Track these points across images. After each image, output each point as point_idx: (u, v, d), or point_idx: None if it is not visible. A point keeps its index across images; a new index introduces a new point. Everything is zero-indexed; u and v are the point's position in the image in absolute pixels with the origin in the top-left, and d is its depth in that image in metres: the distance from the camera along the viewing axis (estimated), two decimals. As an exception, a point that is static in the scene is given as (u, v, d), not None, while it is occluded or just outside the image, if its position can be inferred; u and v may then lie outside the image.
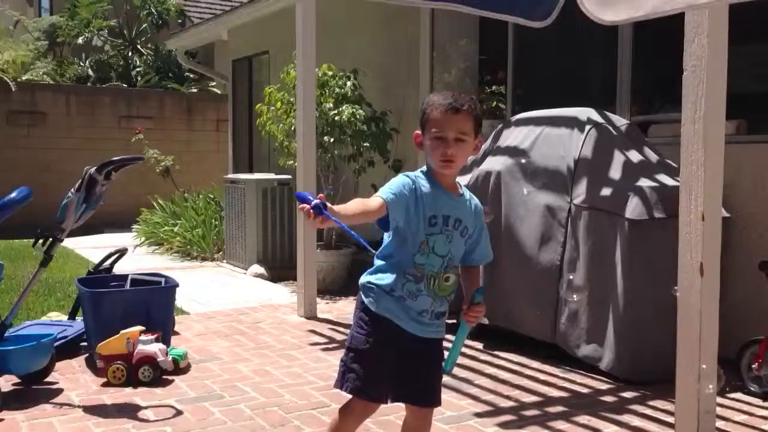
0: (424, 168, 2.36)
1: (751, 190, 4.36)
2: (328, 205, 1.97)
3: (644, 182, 4.16)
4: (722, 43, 3.12)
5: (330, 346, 4.94)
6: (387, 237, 2.36)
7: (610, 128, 4.55)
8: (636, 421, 3.54)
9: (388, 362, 2.36)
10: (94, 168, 4.22)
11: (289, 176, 7.60)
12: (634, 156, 4.40)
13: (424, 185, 2.28)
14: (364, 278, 2.40)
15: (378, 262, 2.38)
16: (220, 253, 8.83)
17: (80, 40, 15.65)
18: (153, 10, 15.24)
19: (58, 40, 15.95)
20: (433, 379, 2.48)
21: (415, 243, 2.27)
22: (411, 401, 2.46)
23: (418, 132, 2.35)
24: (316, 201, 1.95)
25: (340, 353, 4.82)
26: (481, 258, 2.48)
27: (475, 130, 2.30)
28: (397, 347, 2.36)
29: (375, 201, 2.17)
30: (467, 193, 2.43)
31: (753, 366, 3.85)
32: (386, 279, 2.32)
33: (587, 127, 4.51)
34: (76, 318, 4.93)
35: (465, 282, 2.47)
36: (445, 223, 2.30)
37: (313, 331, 5.34)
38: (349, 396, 2.40)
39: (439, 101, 2.30)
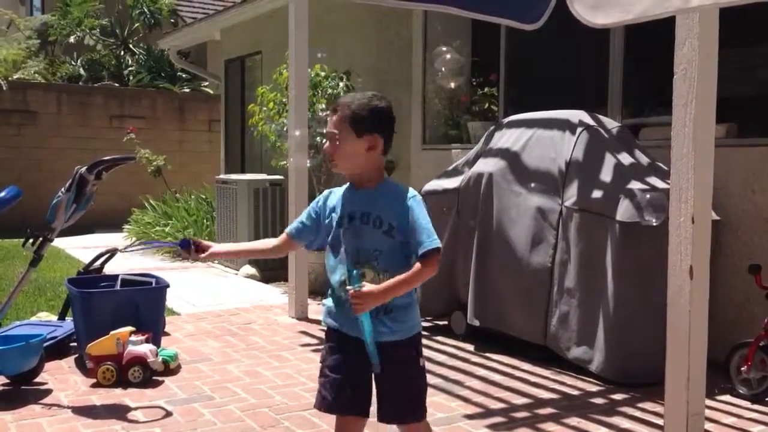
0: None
1: (741, 193, 4.38)
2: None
3: (635, 185, 4.17)
4: (712, 47, 3.14)
5: (321, 347, 4.92)
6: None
7: (602, 131, 4.57)
8: (625, 423, 3.55)
9: None
10: (85, 167, 4.21)
11: (281, 177, 7.60)
12: (625, 159, 4.41)
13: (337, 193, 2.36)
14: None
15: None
16: (212, 253, 8.79)
17: (72, 39, 15.58)
18: (145, 10, 15.17)
19: (49, 39, 15.86)
20: None
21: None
22: None
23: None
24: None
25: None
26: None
27: None
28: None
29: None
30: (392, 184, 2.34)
31: (742, 369, 3.86)
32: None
33: (579, 130, 4.52)
34: (66, 318, 4.92)
35: None
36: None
37: (304, 332, 5.33)
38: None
39: None
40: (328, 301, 2.36)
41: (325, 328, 2.45)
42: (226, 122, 11.76)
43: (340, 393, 2.35)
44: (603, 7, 2.97)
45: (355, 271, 2.17)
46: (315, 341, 5.09)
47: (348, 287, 2.16)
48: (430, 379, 4.11)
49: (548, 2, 3.75)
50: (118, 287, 4.69)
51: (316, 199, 2.43)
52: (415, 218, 2.19)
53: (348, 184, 2.36)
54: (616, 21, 3.01)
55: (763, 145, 4.35)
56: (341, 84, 6.94)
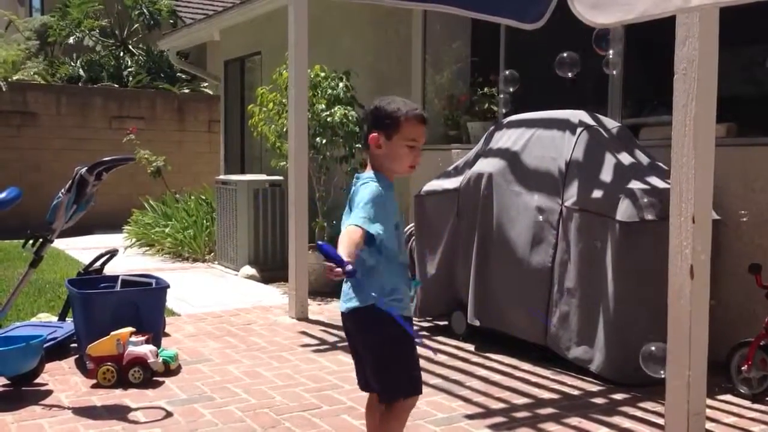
0: (372, 172, 2.43)
1: (741, 193, 4.38)
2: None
3: (635, 184, 4.17)
4: (713, 47, 3.13)
5: (321, 347, 4.93)
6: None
7: (602, 131, 4.57)
8: (626, 423, 3.55)
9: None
10: (85, 168, 4.21)
11: (281, 177, 7.59)
12: (625, 158, 4.41)
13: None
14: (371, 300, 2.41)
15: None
16: (212, 254, 8.80)
17: (71, 40, 15.57)
18: (145, 11, 15.17)
19: (49, 40, 15.86)
20: None
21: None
22: None
23: (376, 134, 2.41)
24: (350, 268, 2.10)
25: (332, 355, 4.81)
26: None
27: None
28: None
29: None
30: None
31: (743, 368, 3.86)
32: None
33: (579, 130, 4.52)
34: (66, 319, 4.92)
35: None
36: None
37: (305, 333, 5.33)
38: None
39: (411, 110, 2.41)
40: (406, 293, 2.48)
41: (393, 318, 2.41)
42: (226, 123, 11.76)
43: None
44: (604, 6, 2.97)
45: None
46: (315, 341, 5.09)
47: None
48: (430, 378, 4.14)
49: (549, 2, 3.75)
50: (118, 288, 4.69)
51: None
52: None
53: (387, 182, 2.45)
54: (617, 20, 3.00)
55: (764, 144, 4.35)
56: (341, 84, 6.93)
